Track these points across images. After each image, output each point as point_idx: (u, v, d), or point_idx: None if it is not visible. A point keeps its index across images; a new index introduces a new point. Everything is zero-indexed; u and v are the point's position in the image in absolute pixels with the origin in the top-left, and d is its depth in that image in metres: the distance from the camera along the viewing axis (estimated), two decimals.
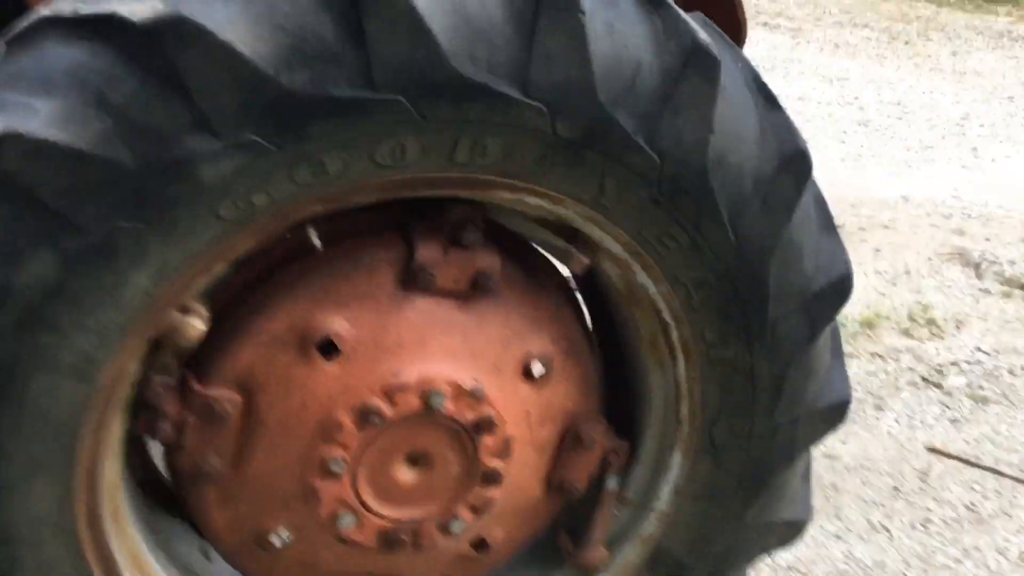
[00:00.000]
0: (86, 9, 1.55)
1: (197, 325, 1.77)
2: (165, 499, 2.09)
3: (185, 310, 1.76)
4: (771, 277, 1.97)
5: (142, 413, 1.84)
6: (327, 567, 2.04)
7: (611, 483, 2.23)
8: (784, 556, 3.27)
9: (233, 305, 1.88)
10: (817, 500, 2.71)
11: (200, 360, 1.87)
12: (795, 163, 1.93)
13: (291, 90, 1.57)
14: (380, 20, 1.58)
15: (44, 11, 1.57)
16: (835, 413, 2.20)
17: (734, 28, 2.44)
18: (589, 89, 1.71)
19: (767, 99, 1.92)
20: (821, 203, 2.07)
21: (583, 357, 2.10)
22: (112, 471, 1.84)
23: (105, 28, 1.53)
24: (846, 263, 2.07)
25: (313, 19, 1.56)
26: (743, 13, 2.43)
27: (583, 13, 1.68)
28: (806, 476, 2.34)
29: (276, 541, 1.97)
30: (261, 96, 1.56)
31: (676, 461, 2.17)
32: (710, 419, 2.11)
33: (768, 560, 3.07)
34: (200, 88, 1.54)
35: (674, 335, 2.03)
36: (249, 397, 1.87)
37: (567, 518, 2.29)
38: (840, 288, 2.06)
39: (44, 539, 1.76)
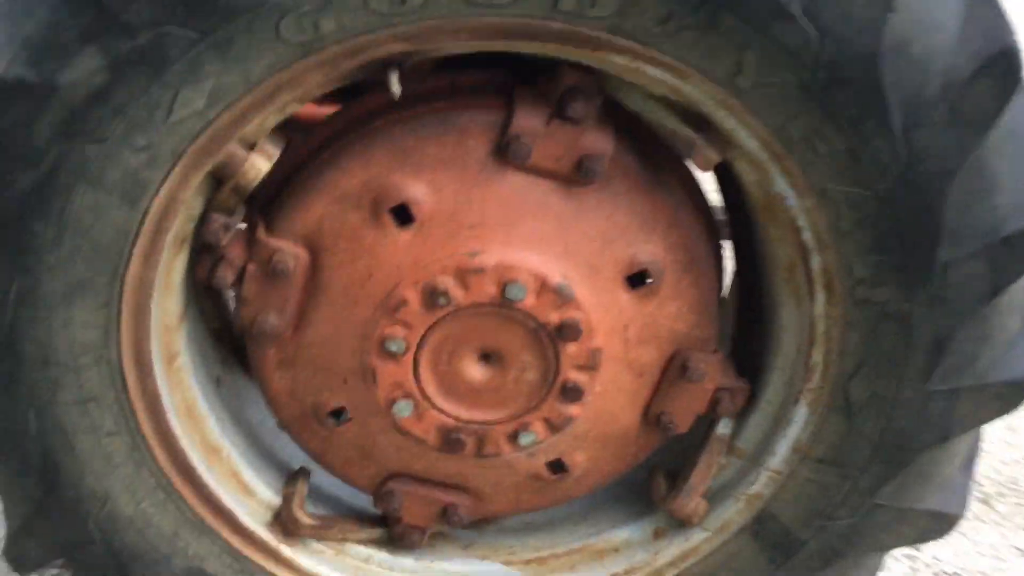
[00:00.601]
0: None
1: (259, 163, 1.60)
2: (239, 353, 1.97)
3: (251, 146, 1.59)
4: (948, 208, 1.58)
5: (202, 254, 1.70)
6: (384, 458, 1.86)
7: (722, 427, 1.92)
8: None
9: (311, 156, 1.70)
10: None
11: (271, 210, 1.71)
12: (1001, 66, 1.51)
13: None
14: None
15: None
16: (1012, 393, 1.77)
17: None
18: None
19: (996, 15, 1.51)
20: None
21: (703, 275, 1.77)
22: (168, 312, 1.72)
23: None
24: None
25: None
26: None
27: None
28: (967, 466, 1.93)
29: (334, 416, 1.81)
30: None
31: (800, 415, 1.82)
32: (848, 372, 1.74)
33: None
34: None
35: (815, 263, 1.68)
36: (315, 256, 1.69)
37: (669, 460, 2.00)
38: None
39: (84, 367, 1.66)
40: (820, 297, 1.71)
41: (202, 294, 1.92)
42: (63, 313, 1.61)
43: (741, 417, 1.91)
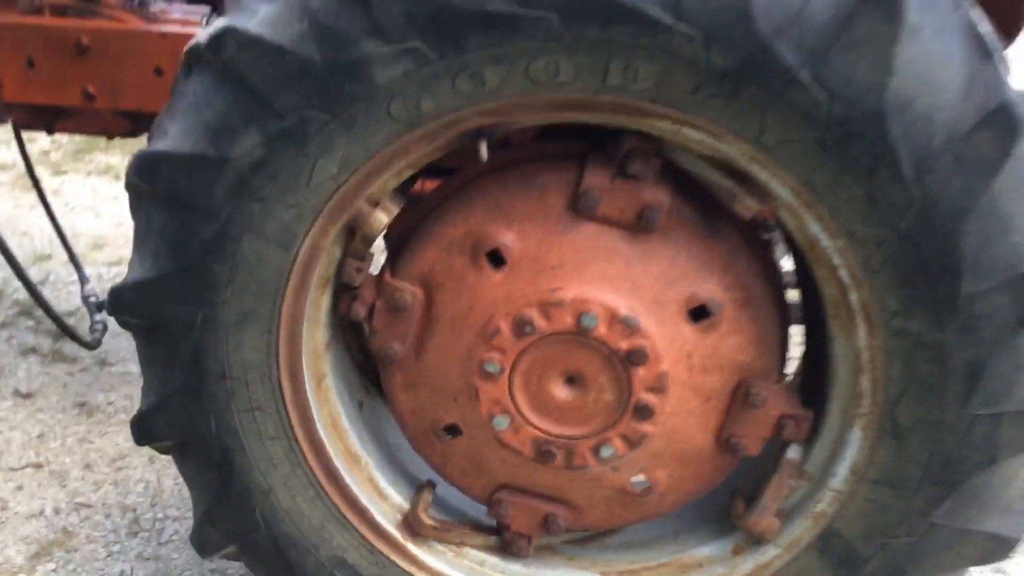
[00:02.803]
0: None
1: (382, 218, 1.96)
2: (377, 381, 2.31)
3: (375, 204, 1.96)
4: (965, 245, 1.73)
5: (343, 292, 2.07)
6: (492, 470, 2.14)
7: (792, 452, 2.09)
8: None
9: (426, 214, 2.05)
10: None
11: (395, 257, 2.06)
12: (1002, 118, 1.67)
13: (450, 3, 1.69)
14: None
15: None
16: None
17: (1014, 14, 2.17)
18: (746, 16, 1.64)
19: (980, 48, 1.69)
20: None
21: (762, 312, 1.98)
22: (316, 340, 2.09)
23: None
24: None
25: None
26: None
27: None
28: None
29: (449, 431, 2.11)
30: (425, 7, 1.70)
31: (856, 438, 1.97)
32: (893, 397, 1.89)
33: None
34: (375, 18, 1.72)
35: (853, 298, 1.85)
36: (429, 293, 2.03)
37: (748, 486, 2.17)
38: None
39: (252, 381, 2.05)
40: (862, 329, 1.87)
41: (347, 329, 2.29)
42: (235, 337, 2.01)
43: (808, 443, 2.07)
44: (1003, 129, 1.68)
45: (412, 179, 2.03)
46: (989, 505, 1.95)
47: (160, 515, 2.99)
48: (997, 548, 1.99)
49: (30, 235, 4.70)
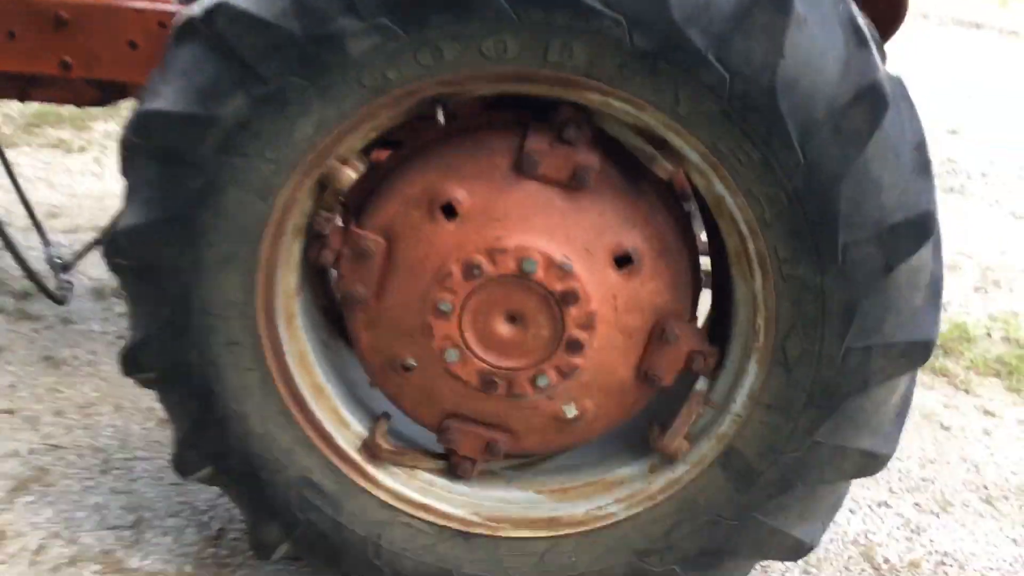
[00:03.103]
0: None
1: (349, 174, 2.23)
2: (340, 324, 2.59)
3: (344, 161, 2.23)
4: (841, 202, 2.07)
5: (313, 241, 2.34)
6: (442, 400, 2.43)
7: (700, 384, 2.42)
8: None
9: (388, 172, 2.33)
10: None
11: (360, 210, 2.34)
12: (869, 97, 2.02)
13: None
14: None
15: None
16: (915, 351, 2.21)
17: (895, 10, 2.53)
18: (664, 7, 1.96)
19: (857, 36, 2.03)
20: (919, 147, 2.12)
21: (675, 261, 2.31)
22: (289, 283, 2.36)
23: None
24: (930, 203, 2.11)
25: None
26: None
27: None
28: (899, 414, 2.36)
29: (404, 366, 2.40)
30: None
31: (752, 369, 2.31)
32: (783, 333, 2.23)
33: None
34: None
35: (751, 248, 2.19)
36: (389, 242, 2.31)
37: (661, 414, 2.50)
38: (920, 226, 2.10)
39: (231, 318, 2.31)
40: (758, 275, 2.21)
41: (315, 275, 2.56)
42: (218, 278, 2.27)
43: (713, 375, 2.41)
44: (873, 105, 2.03)
45: (376, 141, 2.31)
46: (863, 425, 2.30)
47: (129, 456, 3.22)
48: (870, 462, 2.35)
49: None
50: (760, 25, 1.97)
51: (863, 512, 3.34)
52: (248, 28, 2.05)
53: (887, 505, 3.38)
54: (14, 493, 3.01)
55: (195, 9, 2.10)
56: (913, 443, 3.77)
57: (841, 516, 3.22)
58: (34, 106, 6.57)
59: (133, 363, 2.39)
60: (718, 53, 1.99)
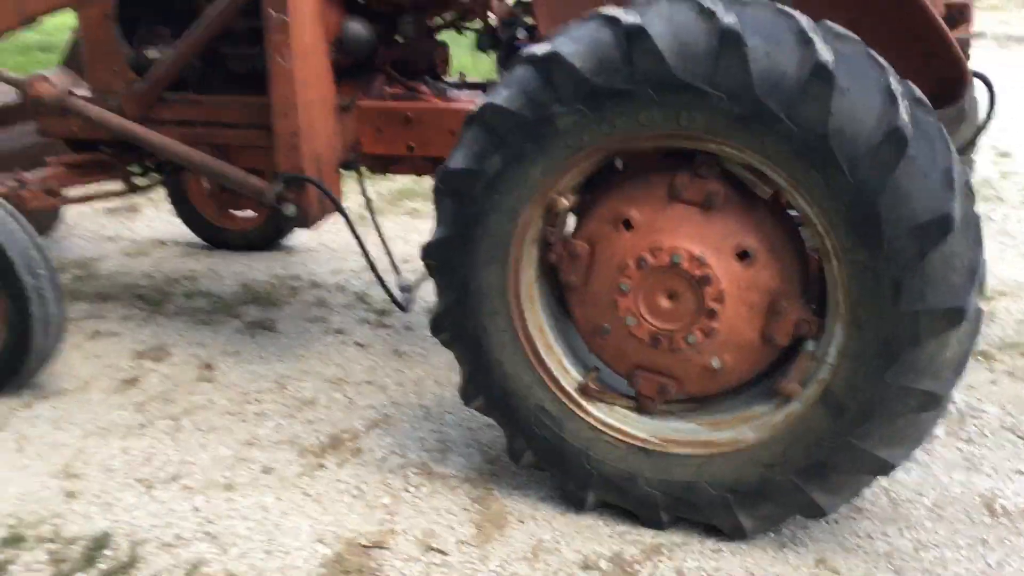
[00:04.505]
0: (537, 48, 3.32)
1: (564, 203, 3.42)
2: (564, 304, 3.75)
3: (561, 195, 3.43)
4: (881, 208, 2.95)
5: (545, 247, 3.55)
6: (628, 354, 3.51)
7: (808, 344, 3.33)
8: None
9: (590, 200, 3.51)
10: None
11: (576, 226, 3.53)
12: (895, 137, 2.90)
13: (596, 85, 3.15)
14: (638, 50, 3.08)
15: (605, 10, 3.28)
16: (952, 315, 2.99)
17: (955, 73, 3.33)
18: (750, 86, 2.99)
19: (890, 98, 2.92)
20: (947, 170, 2.94)
21: (782, 255, 3.26)
22: (529, 275, 3.55)
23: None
24: (950, 209, 2.92)
25: (609, 48, 3.13)
26: (964, 64, 3.32)
27: (746, 46, 2.97)
28: (957, 364, 3.10)
29: (603, 331, 3.53)
30: (583, 87, 3.17)
31: (839, 330, 3.18)
32: (853, 302, 3.10)
33: None
34: (557, 83, 3.20)
35: (827, 243, 3.10)
36: (592, 247, 3.46)
37: (783, 367, 3.42)
38: (942, 224, 2.92)
39: (494, 296, 3.56)
40: (834, 262, 3.11)
41: (547, 270, 3.75)
42: (485, 271, 3.53)
43: (816, 337, 3.30)
44: (898, 142, 2.91)
45: (582, 181, 3.48)
46: (923, 371, 3.09)
47: (442, 410, 4.57)
48: (928, 401, 3.13)
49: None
50: (813, 95, 2.94)
51: (999, 476, 3.94)
52: (500, 115, 3.32)
53: (1021, 473, 3.95)
54: (370, 428, 4.44)
55: (474, 107, 3.41)
56: None
57: (977, 476, 3.88)
58: (398, 185, 8.46)
59: (436, 327, 3.71)
60: (788, 114, 2.98)
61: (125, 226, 7.61)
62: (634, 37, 3.07)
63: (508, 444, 3.78)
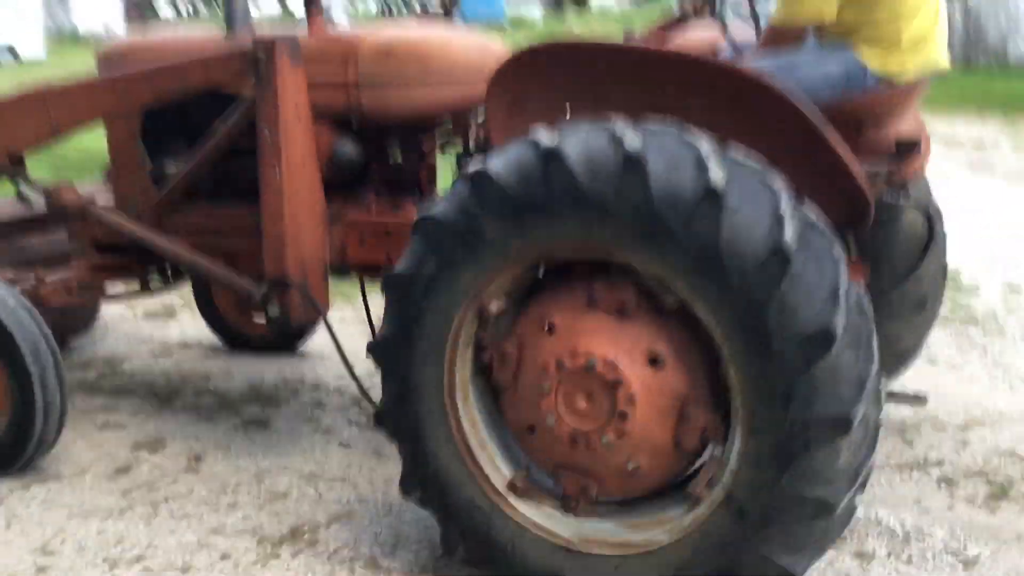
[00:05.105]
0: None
1: (494, 307, 3.65)
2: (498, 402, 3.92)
3: (490, 298, 3.66)
4: (769, 319, 3.12)
5: (478, 349, 3.76)
6: (552, 453, 3.67)
7: (714, 449, 3.45)
8: None
9: (519, 305, 3.73)
10: None
11: (505, 329, 3.74)
12: (778, 255, 3.09)
13: (518, 201, 3.42)
14: (554, 168, 3.36)
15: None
16: (839, 424, 3.11)
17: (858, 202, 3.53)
18: (650, 204, 3.22)
19: (777, 219, 3.12)
20: (833, 288, 3.11)
21: (690, 362, 3.43)
22: (464, 374, 3.76)
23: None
24: (833, 324, 3.07)
25: (530, 167, 3.41)
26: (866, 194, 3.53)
27: (648, 168, 3.22)
28: (853, 473, 3.20)
29: (530, 429, 3.69)
30: (507, 204, 3.44)
31: (739, 435, 3.31)
32: (750, 408, 3.24)
33: None
34: (486, 197, 3.48)
35: (724, 351, 3.26)
36: (520, 350, 3.67)
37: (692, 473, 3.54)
38: (825, 337, 3.07)
39: (430, 394, 3.76)
40: (732, 368, 3.26)
41: (479, 369, 3.93)
42: (423, 368, 3.75)
43: (724, 439, 3.42)
44: (781, 260, 3.09)
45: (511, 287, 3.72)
46: (814, 478, 3.19)
47: (404, 507, 4.73)
48: (823, 509, 3.20)
49: None
50: (704, 213, 3.16)
51: None
52: (436, 224, 3.61)
53: None
54: (331, 521, 4.60)
55: (420, 217, 3.71)
56: None
57: None
58: None
59: (379, 420, 3.92)
60: (683, 230, 3.20)
61: (159, 329, 8.04)
62: (551, 157, 3.35)
63: (442, 538, 3.91)
